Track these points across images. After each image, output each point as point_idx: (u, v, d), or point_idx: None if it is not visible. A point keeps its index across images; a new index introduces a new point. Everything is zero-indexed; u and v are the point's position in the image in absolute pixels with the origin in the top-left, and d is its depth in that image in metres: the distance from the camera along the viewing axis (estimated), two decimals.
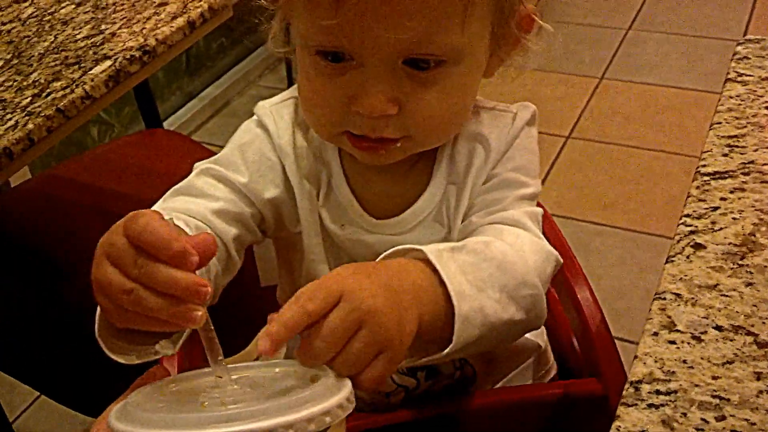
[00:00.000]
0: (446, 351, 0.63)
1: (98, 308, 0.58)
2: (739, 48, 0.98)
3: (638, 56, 2.78)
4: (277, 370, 0.59)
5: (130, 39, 1.13)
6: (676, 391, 0.59)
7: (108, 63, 1.08)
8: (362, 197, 0.78)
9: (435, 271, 0.63)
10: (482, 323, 0.64)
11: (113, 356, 0.59)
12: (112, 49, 1.11)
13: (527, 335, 0.88)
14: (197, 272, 0.61)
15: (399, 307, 0.58)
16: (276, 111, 0.79)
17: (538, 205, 0.80)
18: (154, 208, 0.74)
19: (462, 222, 0.78)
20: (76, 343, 1.24)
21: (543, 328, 0.92)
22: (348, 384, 0.54)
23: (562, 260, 0.76)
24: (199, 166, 0.78)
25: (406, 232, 0.78)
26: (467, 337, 0.63)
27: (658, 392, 0.59)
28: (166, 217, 0.67)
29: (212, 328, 0.55)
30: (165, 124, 2.39)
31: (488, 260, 0.67)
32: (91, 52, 1.11)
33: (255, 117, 0.80)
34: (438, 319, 0.62)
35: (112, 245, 0.54)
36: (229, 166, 0.77)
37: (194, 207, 0.73)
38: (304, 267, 0.80)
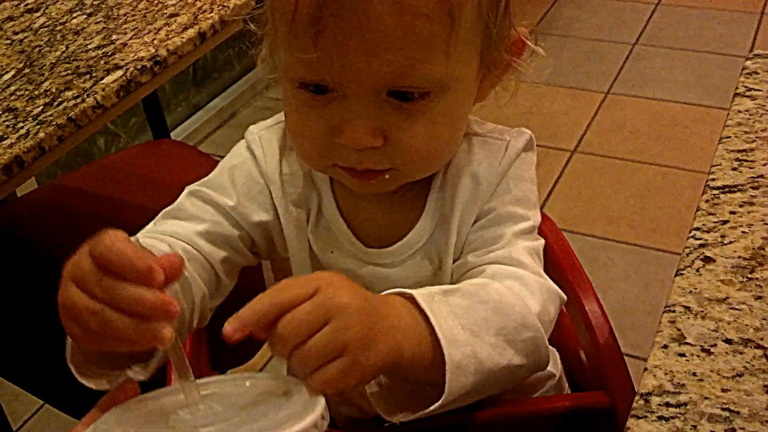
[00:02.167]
0: (440, 401, 0.61)
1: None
2: (748, 63, 0.98)
3: (644, 71, 2.78)
4: (247, 384, 0.57)
5: (141, 49, 1.14)
6: (686, 404, 0.59)
7: (119, 73, 1.08)
8: (353, 224, 0.77)
9: (424, 315, 0.61)
10: (476, 370, 0.62)
11: (84, 381, 0.58)
12: (123, 59, 1.11)
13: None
14: (177, 293, 0.61)
15: (374, 323, 0.56)
16: (264, 136, 0.78)
17: (542, 226, 0.78)
18: (144, 230, 0.74)
19: (456, 260, 0.75)
20: None
21: (556, 354, 0.92)
22: (321, 400, 0.52)
23: (565, 297, 0.74)
24: (189, 188, 0.77)
25: (396, 265, 0.76)
26: (462, 385, 0.61)
27: (668, 404, 0.59)
28: (149, 241, 0.67)
29: (181, 346, 0.54)
30: (172, 135, 2.39)
31: (483, 302, 0.65)
32: (102, 62, 1.12)
33: (245, 140, 0.79)
34: (424, 361, 0.60)
35: (78, 267, 0.52)
36: (217, 189, 0.76)
37: (181, 230, 0.73)
38: None
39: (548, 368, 0.88)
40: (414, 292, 0.62)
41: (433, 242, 0.76)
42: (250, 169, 0.77)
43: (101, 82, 1.07)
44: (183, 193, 0.77)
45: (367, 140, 0.65)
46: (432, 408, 0.61)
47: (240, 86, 2.85)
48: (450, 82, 0.65)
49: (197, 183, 0.78)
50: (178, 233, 0.72)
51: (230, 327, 0.52)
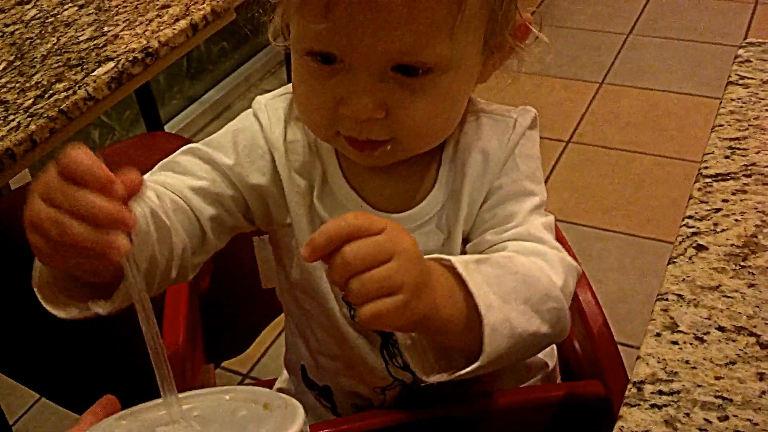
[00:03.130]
0: (477, 363, 0.63)
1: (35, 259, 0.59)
2: (740, 51, 0.98)
3: (639, 61, 2.78)
4: (227, 397, 0.58)
5: (133, 41, 1.13)
6: (678, 392, 0.59)
7: (111, 65, 1.08)
8: (362, 192, 0.78)
9: (461, 280, 0.63)
10: (510, 334, 0.64)
11: (50, 308, 0.60)
12: (114, 51, 1.11)
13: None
14: (150, 234, 0.63)
15: (425, 275, 0.59)
16: (270, 105, 0.80)
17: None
18: None
19: (466, 236, 0.77)
20: (77, 346, 1.24)
21: (554, 347, 0.92)
22: (301, 414, 0.53)
23: (581, 270, 0.76)
24: (188, 145, 0.78)
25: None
26: (497, 348, 0.63)
27: (660, 392, 0.60)
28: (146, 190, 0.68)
29: (138, 263, 0.55)
30: (166, 128, 2.39)
31: (512, 273, 0.67)
32: (93, 54, 1.11)
33: (252, 110, 0.81)
34: (458, 324, 0.62)
35: (43, 181, 0.54)
36: (217, 148, 0.77)
37: (173, 181, 0.73)
38: (297, 260, 0.80)
39: (542, 357, 0.88)
40: (452, 258, 0.64)
41: (443, 213, 0.77)
42: (255, 133, 0.78)
43: (93, 74, 1.06)
44: (181, 149, 0.78)
45: (370, 112, 0.66)
46: (468, 369, 0.63)
47: (234, 78, 2.84)
48: (453, 62, 0.67)
49: (198, 142, 0.78)
50: (169, 183, 0.73)
51: (306, 251, 0.56)
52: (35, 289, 0.61)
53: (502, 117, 0.79)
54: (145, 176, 0.74)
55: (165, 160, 0.77)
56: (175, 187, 0.73)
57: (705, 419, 0.57)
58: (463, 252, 0.78)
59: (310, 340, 0.86)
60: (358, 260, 0.56)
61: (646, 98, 2.60)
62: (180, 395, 0.56)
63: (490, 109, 0.79)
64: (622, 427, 0.57)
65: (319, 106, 0.69)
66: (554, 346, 0.92)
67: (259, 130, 0.78)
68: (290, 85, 0.80)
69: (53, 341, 1.25)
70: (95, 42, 1.14)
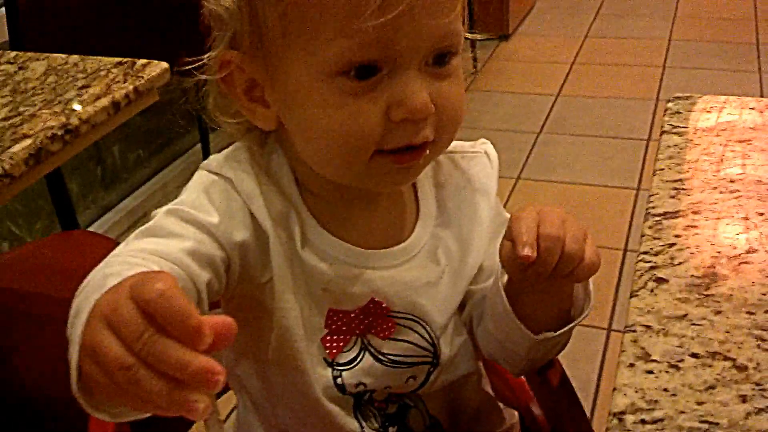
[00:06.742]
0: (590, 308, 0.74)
1: (73, 360, 0.49)
2: (669, 104, 1.00)
3: (551, 157, 2.86)
4: None
5: (51, 119, 1.08)
6: (662, 419, 0.57)
7: (28, 141, 1.02)
8: (343, 235, 0.73)
9: None
10: None
11: (96, 414, 0.51)
12: (32, 129, 1.05)
13: (501, 408, 0.85)
14: None
15: None
16: (232, 158, 0.73)
17: None
18: (119, 251, 0.64)
19: (484, 274, 0.79)
20: None
21: (514, 413, 0.89)
22: None
23: None
24: (163, 209, 0.70)
25: (401, 265, 0.75)
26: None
27: (643, 422, 0.57)
28: (135, 260, 0.60)
29: (220, 419, 0.47)
30: None
31: None
32: (9, 132, 1.05)
33: (207, 171, 0.73)
34: None
35: (115, 310, 0.46)
36: (197, 208, 0.69)
37: (166, 248, 0.64)
38: (275, 320, 0.72)
39: (505, 415, 0.85)
40: None
41: (438, 248, 0.77)
42: (226, 188, 0.71)
43: (9, 150, 1.00)
44: (158, 214, 0.69)
45: (429, 106, 0.65)
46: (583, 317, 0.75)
47: (151, 186, 2.78)
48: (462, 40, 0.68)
49: (170, 204, 0.70)
50: (163, 252, 0.64)
51: (528, 250, 0.64)
52: (78, 397, 0.50)
53: (474, 154, 0.81)
54: (125, 245, 0.66)
55: (144, 227, 0.68)
56: (170, 255, 0.64)
57: None
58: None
59: (270, 418, 0.79)
60: (559, 229, 0.66)
61: (560, 191, 2.66)
62: None
63: (455, 149, 0.79)
64: None
65: (364, 126, 0.64)
66: (514, 413, 0.89)
67: (228, 185, 0.71)
68: (236, 144, 0.74)
69: None
70: (11, 121, 1.09)
